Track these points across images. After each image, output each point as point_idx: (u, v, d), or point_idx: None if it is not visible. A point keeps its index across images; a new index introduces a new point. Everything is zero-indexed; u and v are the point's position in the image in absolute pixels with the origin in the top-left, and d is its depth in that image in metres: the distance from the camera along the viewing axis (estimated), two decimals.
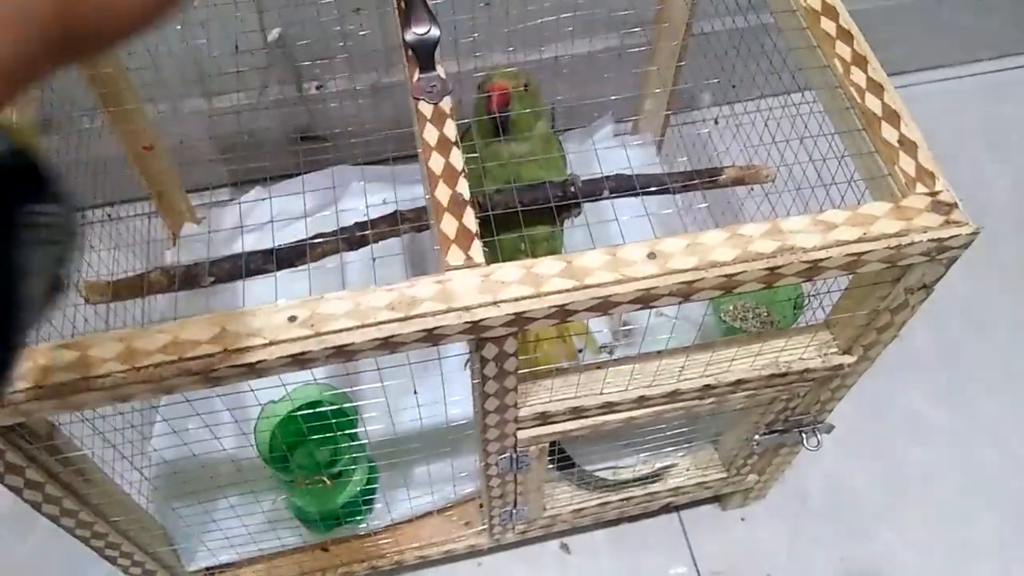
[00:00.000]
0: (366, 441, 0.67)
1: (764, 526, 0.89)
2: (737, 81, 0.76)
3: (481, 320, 0.45)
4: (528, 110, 0.66)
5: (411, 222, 0.67)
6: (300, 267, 0.69)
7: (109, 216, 0.81)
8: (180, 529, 0.69)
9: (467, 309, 0.45)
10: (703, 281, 0.45)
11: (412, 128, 0.55)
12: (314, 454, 0.65)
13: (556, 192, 0.68)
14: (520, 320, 0.45)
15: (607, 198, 0.65)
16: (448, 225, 0.47)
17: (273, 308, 0.44)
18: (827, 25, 0.55)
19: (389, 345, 0.45)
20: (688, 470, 0.79)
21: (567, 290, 0.45)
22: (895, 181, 0.49)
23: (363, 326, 0.44)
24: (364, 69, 0.96)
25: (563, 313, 0.46)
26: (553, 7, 0.83)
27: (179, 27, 0.79)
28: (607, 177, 0.70)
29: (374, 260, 0.55)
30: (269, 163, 0.93)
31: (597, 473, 0.76)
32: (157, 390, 0.44)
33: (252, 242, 0.88)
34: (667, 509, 0.88)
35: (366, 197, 0.77)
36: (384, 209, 0.93)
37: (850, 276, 0.55)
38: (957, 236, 0.46)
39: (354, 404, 0.65)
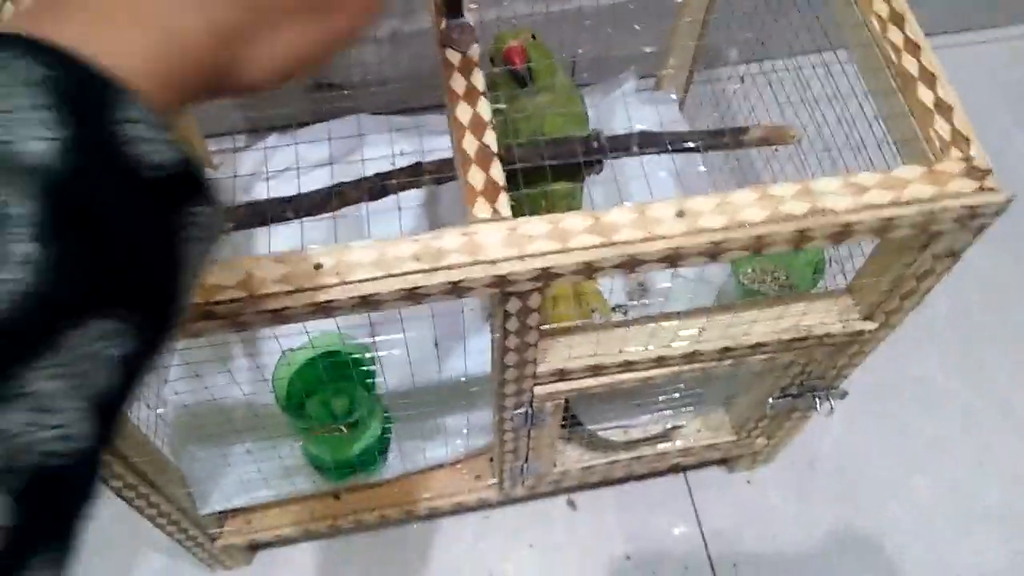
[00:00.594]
0: (383, 392, 0.67)
1: (770, 490, 0.90)
2: (766, 38, 0.75)
3: (507, 274, 0.44)
4: (546, 65, 0.65)
5: (432, 174, 0.67)
6: (321, 216, 0.69)
7: None
8: (195, 472, 0.70)
9: (493, 262, 0.44)
10: (731, 241, 0.45)
11: (434, 78, 0.55)
12: (330, 403, 0.65)
13: (580, 147, 0.67)
14: (546, 275, 0.45)
15: (632, 155, 0.64)
16: (475, 177, 0.47)
17: (300, 255, 0.44)
18: None
19: (414, 296, 0.45)
20: (698, 431, 0.79)
21: (594, 246, 0.45)
22: (929, 145, 0.48)
23: (389, 276, 0.44)
24: (384, 16, 0.94)
25: (589, 269, 0.45)
26: None
27: None
28: (632, 134, 0.69)
29: (400, 209, 0.55)
30: (286, 111, 0.93)
31: (603, 434, 0.77)
32: (182, 333, 0.44)
33: (270, 190, 0.87)
34: (674, 470, 0.89)
35: (392, 147, 0.76)
36: (402, 160, 0.92)
37: (874, 242, 0.55)
38: (990, 204, 0.46)
39: (373, 354, 0.66)
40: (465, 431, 0.74)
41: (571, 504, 0.89)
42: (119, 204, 0.22)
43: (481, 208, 0.46)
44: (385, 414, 0.71)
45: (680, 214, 0.45)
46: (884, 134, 0.54)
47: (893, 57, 0.50)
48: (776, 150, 0.74)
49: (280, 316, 0.44)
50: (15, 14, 0.25)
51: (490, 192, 0.46)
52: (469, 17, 0.51)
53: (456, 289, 0.45)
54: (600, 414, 0.75)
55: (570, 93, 0.69)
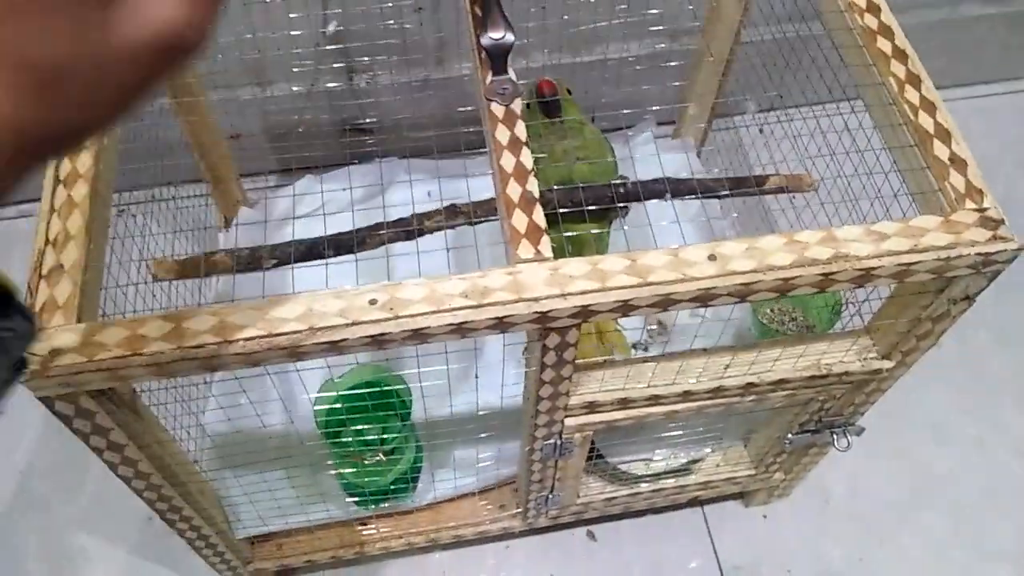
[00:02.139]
0: (417, 422, 0.70)
1: (786, 524, 0.92)
2: (784, 91, 0.79)
3: (549, 311, 0.47)
4: (575, 114, 0.69)
5: (466, 215, 0.70)
6: (353, 255, 0.72)
7: (174, 198, 0.84)
8: (232, 496, 0.73)
9: (536, 300, 0.47)
10: (760, 283, 0.48)
11: (461, 124, 0.58)
12: (365, 431, 0.68)
13: (606, 193, 0.70)
14: (585, 312, 0.48)
15: (658, 199, 0.68)
16: (519, 220, 0.50)
17: (355, 291, 0.47)
18: (883, 44, 0.57)
19: (461, 330, 0.48)
20: (718, 465, 0.81)
21: (631, 286, 0.48)
22: (945, 196, 0.51)
23: (438, 311, 0.47)
24: (414, 64, 0.99)
25: (626, 308, 0.48)
26: (600, 10, 0.86)
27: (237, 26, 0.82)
28: (662, 180, 0.72)
29: (448, 250, 0.58)
30: (318, 152, 0.97)
31: (625, 467, 0.79)
32: (247, 362, 0.47)
33: (302, 229, 0.91)
34: (693, 503, 0.91)
35: (419, 189, 0.80)
36: (428, 201, 0.96)
37: (891, 286, 0.58)
38: (1003, 251, 0.49)
39: (407, 385, 0.68)
40: (495, 460, 0.76)
41: (591, 535, 0.91)
42: None
43: (525, 249, 0.49)
44: (417, 443, 0.73)
45: (712, 257, 0.48)
46: (896, 183, 0.57)
47: (911, 115, 0.54)
48: (793, 198, 0.78)
49: (337, 347, 0.47)
50: None
51: (533, 234, 0.50)
52: (512, 74, 0.55)
53: (501, 324, 0.48)
54: (623, 448, 0.77)
55: (599, 141, 0.72)
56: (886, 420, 0.95)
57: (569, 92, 0.71)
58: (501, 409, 0.77)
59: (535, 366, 0.54)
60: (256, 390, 0.80)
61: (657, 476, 0.78)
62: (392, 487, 0.71)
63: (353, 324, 0.46)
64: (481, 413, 0.72)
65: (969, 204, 0.51)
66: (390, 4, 0.84)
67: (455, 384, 0.69)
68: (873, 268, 0.48)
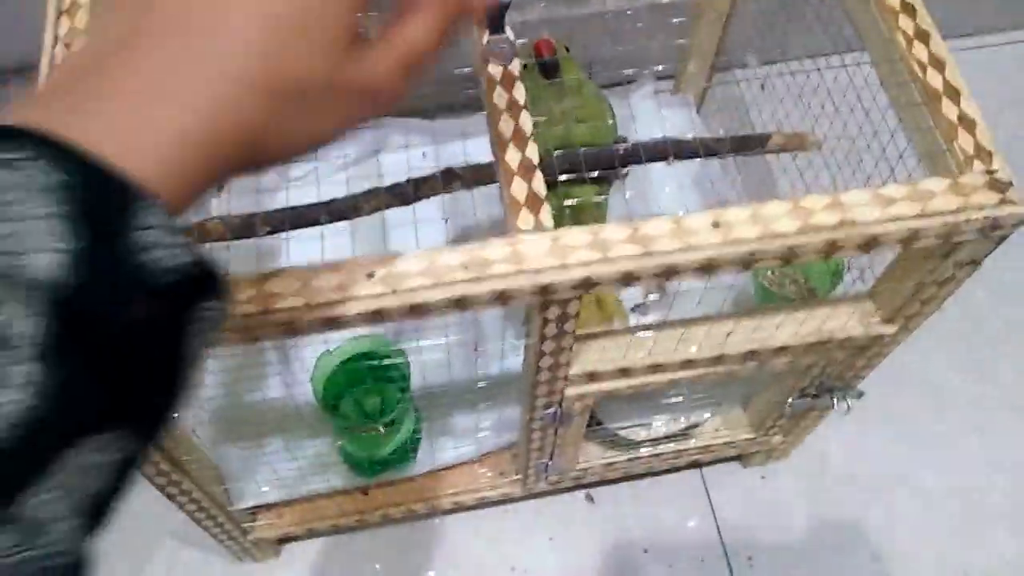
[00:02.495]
0: (416, 391, 0.69)
1: (783, 485, 0.92)
2: (785, 45, 0.77)
3: (550, 283, 0.46)
4: (574, 74, 0.67)
5: (463, 179, 0.69)
6: (348, 221, 0.71)
7: None
8: (231, 468, 0.72)
9: (536, 272, 0.46)
10: (765, 252, 0.47)
11: (455, 84, 0.55)
12: (365, 402, 0.67)
13: (605, 156, 0.69)
14: (587, 283, 0.47)
15: (660, 161, 0.66)
16: (518, 189, 0.49)
17: (353, 263, 0.46)
18: None
19: (461, 304, 0.47)
20: (717, 429, 0.81)
21: (633, 256, 0.47)
22: (953, 157, 0.50)
23: (437, 285, 0.46)
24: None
25: (628, 278, 0.47)
26: None
27: None
28: (665, 141, 0.71)
29: (446, 220, 0.57)
30: None
31: (624, 433, 0.79)
32: (244, 339, 0.46)
33: (295, 194, 0.89)
34: (691, 466, 0.91)
35: (416, 150, 0.78)
36: (424, 163, 0.94)
37: (894, 250, 0.57)
38: (1012, 215, 0.48)
39: (406, 357, 0.68)
40: (492, 429, 0.76)
41: (589, 498, 0.91)
42: (129, 318, 0.21)
43: (524, 219, 0.48)
44: (416, 413, 0.73)
45: (715, 225, 0.47)
46: (902, 142, 0.56)
47: (919, 73, 0.52)
48: (795, 157, 0.76)
49: (335, 323, 0.46)
50: (21, 102, 0.23)
51: (533, 204, 0.48)
52: (510, 32, 0.53)
53: (501, 297, 0.47)
54: (621, 414, 0.77)
55: (601, 104, 0.71)
56: (883, 380, 0.94)
57: (567, 49, 0.69)
58: (501, 375, 0.77)
59: (535, 338, 0.53)
60: (254, 358, 0.79)
61: (656, 441, 0.78)
62: (391, 457, 0.71)
63: (351, 299, 0.45)
64: (480, 383, 0.72)
65: (978, 166, 0.49)
66: None
67: (454, 352, 0.68)
68: (879, 234, 0.47)
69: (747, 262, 0.48)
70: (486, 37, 0.53)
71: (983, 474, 0.93)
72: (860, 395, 0.72)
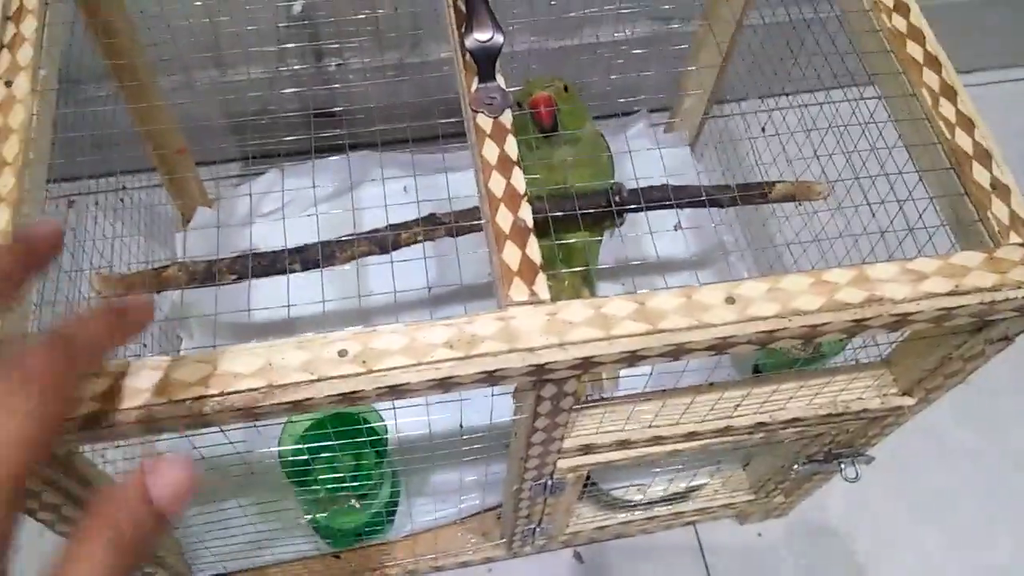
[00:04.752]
0: (394, 457, 0.64)
1: (781, 543, 0.88)
2: (789, 83, 0.73)
3: (546, 363, 0.41)
4: (575, 118, 0.63)
5: (446, 226, 0.64)
6: (324, 268, 0.65)
7: (124, 187, 0.77)
8: (189, 534, 0.66)
9: (531, 350, 0.41)
10: (785, 331, 0.42)
11: (439, 114, 0.51)
12: (336, 471, 0.61)
13: (601, 201, 0.64)
14: (587, 364, 0.42)
15: (654, 208, 0.62)
16: (510, 255, 0.44)
17: (322, 340, 0.41)
18: (913, 50, 0.51)
19: (445, 385, 0.42)
20: (716, 492, 0.76)
21: (639, 334, 0.42)
22: (987, 228, 0.46)
23: (419, 365, 0.41)
24: (388, 47, 0.91)
25: (633, 358, 0.43)
26: None
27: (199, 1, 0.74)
28: (654, 188, 0.66)
29: (392, 263, 0.51)
30: (284, 141, 0.89)
31: (620, 494, 0.74)
32: (194, 424, 0.40)
33: (265, 229, 0.84)
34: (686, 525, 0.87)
35: (395, 184, 0.73)
36: (404, 197, 0.89)
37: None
38: None
39: (383, 419, 0.62)
40: (479, 491, 0.71)
41: (578, 557, 0.86)
42: None
43: (518, 290, 0.43)
44: (394, 478, 0.67)
45: (730, 300, 0.43)
46: (912, 184, 0.52)
47: (946, 133, 0.48)
48: (798, 206, 0.72)
49: (300, 406, 0.41)
50: None
51: (527, 272, 0.43)
52: (501, 80, 0.48)
53: (491, 378, 0.42)
54: (617, 475, 0.72)
55: (596, 142, 0.66)
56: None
57: (566, 89, 0.64)
58: (488, 429, 0.71)
59: (527, 414, 0.48)
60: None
61: (652, 503, 0.73)
62: (366, 527, 0.65)
63: (319, 380, 0.40)
64: (464, 438, 0.67)
65: (1014, 238, 0.45)
66: None
67: (436, 408, 0.63)
68: (911, 313, 0.43)
69: (765, 341, 0.43)
70: (475, 85, 0.48)
71: (985, 532, 0.89)
72: (870, 461, 0.68)
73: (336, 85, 0.92)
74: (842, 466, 0.66)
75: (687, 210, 0.87)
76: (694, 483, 0.73)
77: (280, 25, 0.84)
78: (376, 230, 0.63)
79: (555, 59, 0.93)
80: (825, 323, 0.42)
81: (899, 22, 0.52)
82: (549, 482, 0.59)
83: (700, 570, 0.86)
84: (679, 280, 0.86)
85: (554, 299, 0.42)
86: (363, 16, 0.78)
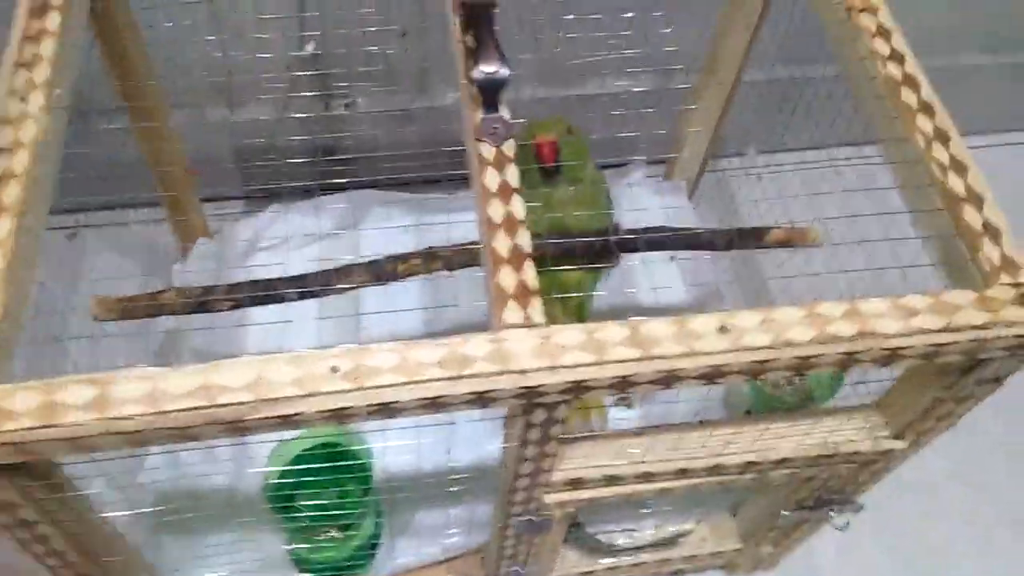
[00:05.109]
0: (379, 492, 0.63)
1: None
2: (786, 136, 0.74)
3: (537, 386, 0.41)
4: (578, 159, 0.64)
5: (444, 261, 0.64)
6: (321, 297, 0.66)
7: (130, 221, 0.77)
8: (168, 566, 0.65)
9: (522, 373, 0.41)
10: (777, 361, 0.42)
11: (442, 156, 0.51)
12: (322, 498, 0.60)
13: (600, 244, 0.65)
14: (578, 388, 0.42)
15: (655, 251, 0.62)
16: (506, 279, 0.44)
17: (315, 356, 0.41)
18: (908, 97, 0.52)
19: (435, 405, 0.41)
20: (704, 539, 0.75)
21: (631, 360, 0.42)
22: (978, 269, 0.46)
23: (410, 383, 0.41)
24: (396, 92, 0.93)
25: (625, 384, 0.42)
26: (594, 42, 0.81)
27: (213, 37, 0.76)
28: (649, 230, 0.67)
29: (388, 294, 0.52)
30: (289, 180, 0.90)
31: (606, 539, 0.73)
32: (180, 437, 0.40)
33: (265, 262, 0.84)
34: (673, 574, 0.85)
35: (395, 222, 0.74)
36: (403, 236, 0.90)
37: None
38: None
39: (370, 453, 0.61)
40: (464, 531, 0.69)
41: None
42: None
43: (512, 313, 0.43)
44: (378, 511, 0.66)
45: (723, 329, 0.43)
46: (909, 240, 0.53)
47: (939, 176, 0.49)
48: (792, 251, 0.73)
49: (290, 422, 0.40)
50: None
51: (522, 296, 0.44)
52: (504, 112, 0.49)
53: (481, 399, 0.42)
54: (604, 518, 0.71)
55: (598, 189, 0.67)
56: (879, 485, 0.90)
57: (569, 131, 0.65)
58: (475, 466, 0.71)
59: (516, 441, 0.48)
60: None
61: (639, 549, 0.72)
62: (348, 561, 0.64)
63: (309, 396, 0.40)
64: (451, 477, 0.66)
65: (1005, 278, 0.46)
66: (373, 28, 0.78)
67: (422, 440, 0.62)
68: (901, 348, 0.43)
69: (756, 372, 0.43)
70: (480, 115, 0.49)
71: None
72: (859, 509, 0.67)
73: (345, 128, 0.94)
74: (832, 514, 0.66)
75: (685, 260, 0.88)
76: (681, 528, 0.72)
77: (291, 67, 0.86)
78: (374, 260, 0.63)
79: (557, 108, 0.95)
80: (817, 355, 0.42)
81: (894, 70, 0.54)
82: (536, 518, 0.58)
83: None
84: None
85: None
86: (374, 51, 0.79)
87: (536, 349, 0.42)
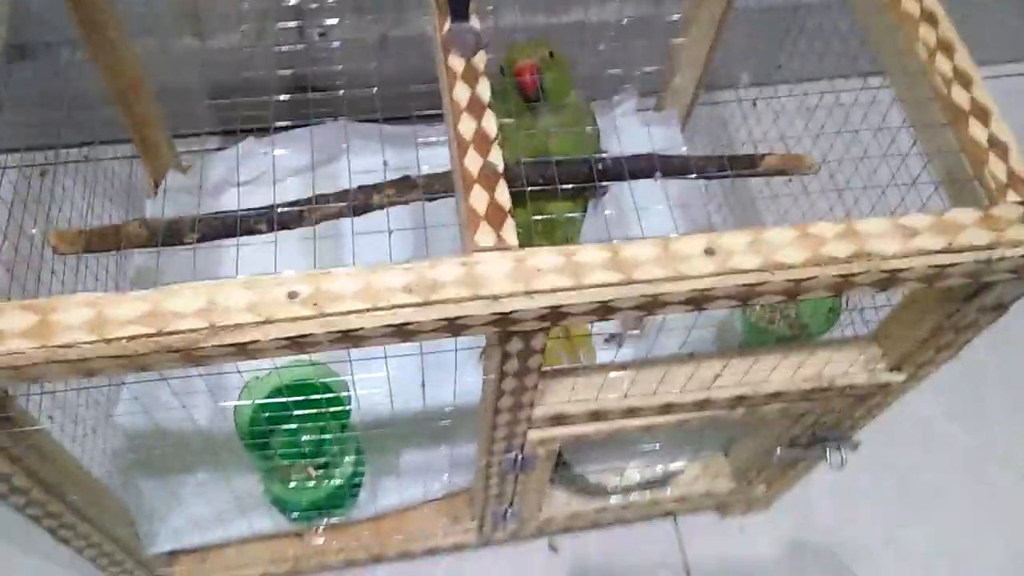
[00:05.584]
0: (357, 430, 0.61)
1: (764, 538, 0.85)
2: (783, 61, 0.70)
3: (511, 312, 0.39)
4: (561, 84, 0.60)
5: (423, 189, 0.61)
6: (295, 229, 0.63)
7: (86, 158, 0.74)
8: (143, 508, 0.63)
9: (496, 298, 0.39)
10: (767, 285, 0.40)
11: (425, 85, 0.49)
12: (298, 438, 0.58)
13: (582, 169, 0.61)
14: (555, 314, 0.40)
15: (644, 178, 0.59)
16: (478, 199, 0.41)
17: (271, 280, 0.38)
18: (909, 5, 0.49)
19: (403, 333, 0.39)
20: (696, 478, 0.74)
21: (612, 284, 0.39)
22: (983, 186, 0.43)
23: (375, 309, 0.38)
24: (373, 19, 0.88)
25: (605, 310, 0.40)
26: None
27: None
28: (639, 156, 0.64)
29: (390, 232, 0.49)
30: (263, 113, 0.86)
31: (594, 479, 0.71)
32: (128, 366, 0.37)
33: (239, 197, 0.81)
34: (664, 515, 0.84)
35: (379, 156, 0.70)
36: (389, 172, 0.86)
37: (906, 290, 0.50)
38: None
39: (347, 389, 0.59)
40: (446, 471, 0.68)
41: (552, 548, 0.83)
42: None
43: (484, 235, 0.40)
44: (358, 451, 0.64)
45: (709, 251, 0.40)
46: (911, 165, 0.50)
47: (942, 88, 0.45)
48: (789, 180, 0.70)
49: (245, 351, 0.38)
50: None
51: (495, 217, 0.41)
52: (475, 20, 0.46)
53: (452, 327, 0.39)
54: (591, 457, 0.69)
55: (581, 112, 0.63)
56: (875, 424, 0.88)
57: (552, 55, 0.62)
58: (456, 405, 0.68)
59: (493, 374, 0.46)
60: (179, 378, 0.70)
61: (628, 489, 0.71)
62: (327, 501, 0.62)
63: (266, 323, 0.37)
64: (431, 414, 0.64)
65: (1012, 196, 0.43)
66: None
67: (400, 381, 0.60)
68: (901, 270, 0.40)
69: (745, 296, 0.40)
70: (447, 24, 0.46)
71: (973, 535, 0.86)
72: (856, 446, 0.65)
73: (322, 56, 0.89)
74: (827, 451, 0.64)
75: (670, 190, 0.85)
76: (672, 467, 0.70)
77: None
78: (346, 190, 0.60)
79: (540, 37, 0.90)
80: (810, 277, 0.40)
81: None
82: (519, 456, 0.56)
83: (679, 564, 0.83)
84: None
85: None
86: None
87: (510, 273, 0.39)
